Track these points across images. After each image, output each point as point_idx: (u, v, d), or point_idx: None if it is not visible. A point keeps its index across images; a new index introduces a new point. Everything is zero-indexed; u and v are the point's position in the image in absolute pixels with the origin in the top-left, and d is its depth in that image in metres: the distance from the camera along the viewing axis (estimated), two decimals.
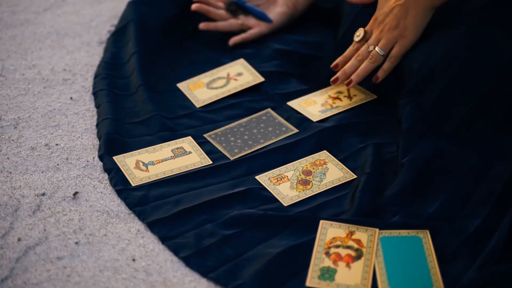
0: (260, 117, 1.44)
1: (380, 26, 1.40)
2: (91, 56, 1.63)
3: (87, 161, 1.35)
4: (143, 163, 1.33)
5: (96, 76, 1.56)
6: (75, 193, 1.28)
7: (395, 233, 1.18)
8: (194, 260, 1.15)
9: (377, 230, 1.18)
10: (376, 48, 1.39)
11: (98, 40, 1.68)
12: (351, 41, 1.46)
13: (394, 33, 1.37)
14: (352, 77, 1.41)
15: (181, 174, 1.31)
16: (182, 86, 1.53)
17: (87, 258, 1.16)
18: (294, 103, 1.46)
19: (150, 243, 1.19)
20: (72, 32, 1.71)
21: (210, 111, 1.46)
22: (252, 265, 1.14)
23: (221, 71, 1.55)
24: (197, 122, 1.44)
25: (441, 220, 1.19)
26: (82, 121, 1.45)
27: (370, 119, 1.41)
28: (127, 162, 1.33)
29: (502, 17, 1.33)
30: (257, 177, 1.30)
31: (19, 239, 1.19)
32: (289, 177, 1.30)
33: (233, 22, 1.64)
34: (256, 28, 1.63)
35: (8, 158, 1.35)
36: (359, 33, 1.42)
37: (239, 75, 1.53)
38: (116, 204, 1.26)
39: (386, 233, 1.18)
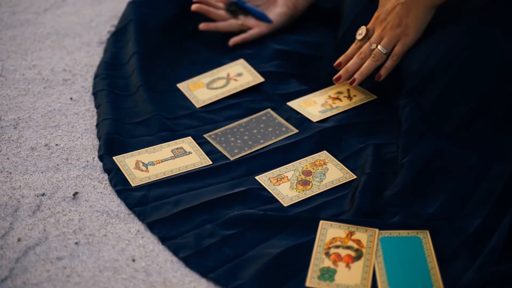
0: (260, 117, 1.44)
1: (382, 24, 1.40)
2: (91, 57, 1.63)
3: (87, 161, 1.35)
4: (143, 164, 1.33)
5: (96, 76, 1.56)
6: (75, 193, 1.28)
7: (395, 233, 1.18)
8: (194, 260, 1.15)
9: (377, 230, 1.18)
10: (379, 47, 1.39)
11: (98, 41, 1.68)
12: (351, 41, 1.46)
13: (396, 31, 1.37)
14: (355, 76, 1.41)
15: (181, 174, 1.31)
16: (182, 86, 1.53)
17: (87, 258, 1.16)
18: (294, 104, 1.46)
19: (150, 243, 1.19)
20: (72, 33, 1.71)
21: (210, 112, 1.46)
22: (252, 266, 1.14)
23: (221, 72, 1.55)
24: (197, 122, 1.44)
25: (441, 220, 1.19)
26: (82, 121, 1.45)
27: (370, 119, 1.41)
28: (127, 162, 1.33)
29: (502, 17, 1.33)
30: (257, 178, 1.30)
31: (19, 239, 1.19)
32: (289, 178, 1.30)
33: (233, 23, 1.64)
34: (256, 28, 1.63)
35: (8, 158, 1.35)
36: (361, 31, 1.42)
37: (239, 75, 1.53)
38: (116, 204, 1.26)
39: (386, 233, 1.18)
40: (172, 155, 1.35)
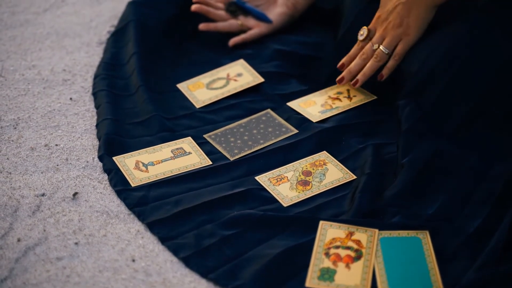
0: (260, 117, 1.44)
1: (383, 24, 1.40)
2: (91, 57, 1.63)
3: (87, 162, 1.35)
4: (143, 164, 1.33)
5: (95, 76, 1.56)
6: (75, 194, 1.28)
7: (394, 233, 1.18)
8: (194, 260, 1.15)
9: (376, 230, 1.18)
10: (381, 47, 1.39)
11: (98, 41, 1.68)
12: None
13: (398, 31, 1.38)
14: (358, 76, 1.41)
15: (181, 174, 1.31)
16: (182, 86, 1.53)
17: (87, 258, 1.16)
18: (294, 104, 1.46)
19: (149, 243, 1.19)
20: (72, 33, 1.71)
21: (210, 112, 1.46)
22: (252, 266, 1.14)
23: (221, 72, 1.55)
24: (197, 122, 1.44)
25: (441, 221, 1.19)
26: (81, 121, 1.45)
27: (370, 120, 1.41)
28: (126, 162, 1.33)
29: (502, 17, 1.33)
30: (256, 178, 1.30)
31: (18, 240, 1.19)
32: (288, 178, 1.30)
33: (233, 23, 1.64)
34: (256, 28, 1.63)
35: (7, 159, 1.35)
36: (363, 31, 1.42)
37: (239, 75, 1.53)
38: (115, 204, 1.26)
39: (386, 233, 1.18)
40: (172, 155, 1.35)
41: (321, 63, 1.55)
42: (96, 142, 1.39)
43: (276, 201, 1.26)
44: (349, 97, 1.45)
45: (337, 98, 1.46)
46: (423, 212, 1.21)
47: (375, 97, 1.45)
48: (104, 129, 1.40)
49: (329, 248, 1.16)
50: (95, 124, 1.43)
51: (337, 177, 1.30)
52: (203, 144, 1.38)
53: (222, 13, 1.65)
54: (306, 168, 1.32)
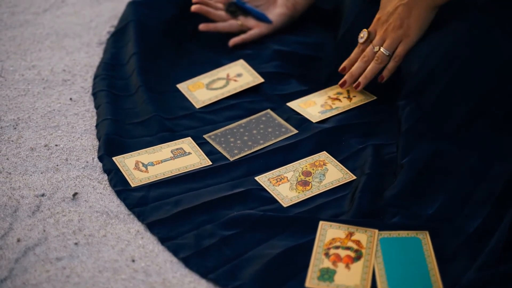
0: (260, 118, 1.44)
1: (383, 26, 1.40)
2: (91, 57, 1.63)
3: (87, 162, 1.35)
4: (143, 164, 1.33)
5: (95, 76, 1.56)
6: (75, 194, 1.28)
7: (394, 234, 1.18)
8: (193, 260, 1.15)
9: (376, 231, 1.18)
10: (381, 49, 1.39)
11: (98, 41, 1.68)
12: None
13: (398, 33, 1.38)
14: (360, 79, 1.42)
15: (180, 175, 1.31)
16: (181, 87, 1.53)
17: (87, 258, 1.16)
18: (293, 104, 1.46)
19: (149, 243, 1.19)
20: (72, 33, 1.71)
21: (209, 112, 1.46)
22: (252, 266, 1.14)
23: (221, 72, 1.55)
24: (196, 123, 1.44)
25: (441, 221, 1.19)
26: (81, 121, 1.45)
27: (369, 120, 1.41)
28: (126, 163, 1.33)
29: (502, 17, 1.33)
30: (256, 178, 1.30)
31: (18, 240, 1.19)
32: (288, 178, 1.30)
33: (232, 23, 1.64)
34: (256, 29, 1.63)
35: (7, 159, 1.35)
36: (363, 34, 1.42)
37: (239, 76, 1.53)
38: (115, 205, 1.26)
39: (386, 234, 1.17)
40: (172, 155, 1.35)
41: (321, 63, 1.55)
42: (96, 143, 1.39)
43: (276, 201, 1.26)
44: (349, 98, 1.45)
45: (337, 99, 1.46)
46: (423, 212, 1.21)
47: (375, 98, 1.45)
48: (104, 129, 1.40)
49: (329, 249, 1.16)
50: (95, 125, 1.43)
51: (337, 178, 1.30)
52: (203, 144, 1.38)
53: (222, 13, 1.65)
54: (306, 169, 1.31)
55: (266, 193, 1.27)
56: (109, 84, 1.52)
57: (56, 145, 1.38)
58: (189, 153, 1.36)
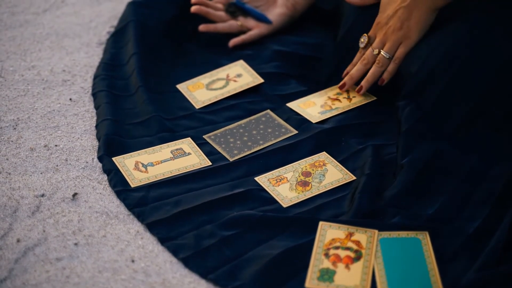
0: (260, 118, 1.44)
1: (383, 29, 1.40)
2: (91, 57, 1.63)
3: (87, 162, 1.35)
4: (143, 164, 1.33)
5: (95, 77, 1.56)
6: (74, 194, 1.28)
7: (394, 234, 1.18)
8: (193, 261, 1.15)
9: (376, 231, 1.18)
10: (382, 52, 1.39)
11: (98, 41, 1.68)
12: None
13: (398, 35, 1.38)
14: (362, 83, 1.42)
15: (180, 175, 1.31)
16: (181, 87, 1.53)
17: (86, 259, 1.16)
18: (293, 105, 1.46)
19: (149, 244, 1.19)
20: (72, 33, 1.71)
21: (209, 112, 1.46)
22: (252, 266, 1.14)
23: (221, 72, 1.55)
24: (196, 123, 1.44)
25: (441, 221, 1.19)
26: (81, 122, 1.45)
27: (369, 120, 1.41)
28: (126, 163, 1.33)
29: (502, 17, 1.33)
30: (256, 178, 1.30)
31: (18, 240, 1.19)
32: (288, 179, 1.30)
33: (232, 24, 1.64)
34: (256, 29, 1.63)
35: (7, 159, 1.35)
36: (363, 39, 1.43)
37: (239, 76, 1.53)
38: (115, 205, 1.26)
39: (386, 234, 1.17)
40: (172, 156, 1.35)
41: (321, 63, 1.55)
42: (95, 143, 1.39)
43: (275, 201, 1.26)
44: (349, 98, 1.46)
45: (337, 99, 1.46)
46: (423, 213, 1.21)
47: (375, 98, 1.45)
48: (104, 129, 1.40)
49: (328, 249, 1.16)
50: (94, 125, 1.43)
51: (337, 178, 1.30)
52: (202, 144, 1.38)
53: (221, 14, 1.65)
54: (306, 169, 1.31)
55: (266, 193, 1.27)
56: (109, 84, 1.52)
57: (56, 146, 1.38)
58: (189, 154, 1.36)
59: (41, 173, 1.32)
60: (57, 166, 1.34)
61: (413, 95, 1.34)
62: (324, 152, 1.35)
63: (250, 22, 1.64)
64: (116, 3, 1.80)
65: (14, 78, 1.56)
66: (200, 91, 1.51)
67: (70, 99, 1.51)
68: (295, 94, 1.49)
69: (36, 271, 1.14)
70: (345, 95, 1.46)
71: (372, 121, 1.41)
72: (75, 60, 1.62)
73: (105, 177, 1.32)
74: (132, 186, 1.29)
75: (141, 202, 1.26)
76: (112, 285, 1.12)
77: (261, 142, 1.38)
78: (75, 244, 1.19)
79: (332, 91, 1.48)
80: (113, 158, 1.34)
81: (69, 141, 1.40)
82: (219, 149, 1.37)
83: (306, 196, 1.26)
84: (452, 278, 1.11)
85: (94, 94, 1.51)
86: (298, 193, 1.27)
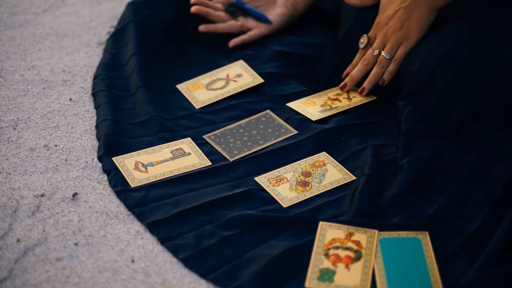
0: (260, 118, 1.44)
1: (383, 30, 1.40)
2: (91, 57, 1.63)
3: (86, 162, 1.35)
4: (142, 164, 1.33)
5: (95, 77, 1.56)
6: (74, 194, 1.28)
7: (394, 234, 1.18)
8: (193, 261, 1.15)
9: (376, 231, 1.18)
10: (382, 53, 1.39)
11: (98, 41, 1.68)
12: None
13: (398, 35, 1.38)
14: (364, 84, 1.42)
15: (180, 175, 1.31)
16: (181, 87, 1.53)
17: (86, 259, 1.16)
18: (293, 104, 1.46)
19: (149, 244, 1.19)
20: (72, 33, 1.71)
21: (209, 112, 1.46)
22: (252, 266, 1.14)
23: (221, 72, 1.55)
24: (196, 123, 1.44)
25: (441, 221, 1.19)
26: (81, 122, 1.45)
27: (369, 120, 1.41)
28: (126, 163, 1.33)
29: (502, 17, 1.33)
30: (256, 179, 1.30)
31: (18, 240, 1.19)
32: (288, 179, 1.30)
33: (232, 24, 1.64)
34: (256, 29, 1.63)
35: (7, 159, 1.35)
36: (363, 40, 1.43)
37: (239, 76, 1.53)
38: (115, 205, 1.26)
39: (386, 234, 1.17)
40: (172, 156, 1.35)
41: (321, 63, 1.55)
42: (95, 143, 1.39)
43: (275, 201, 1.26)
44: (349, 98, 1.46)
45: (337, 99, 1.46)
46: (423, 213, 1.21)
47: (375, 98, 1.45)
48: (104, 129, 1.40)
49: (328, 249, 1.16)
50: (94, 125, 1.43)
51: (337, 178, 1.30)
52: (202, 144, 1.38)
53: (221, 14, 1.65)
54: (306, 169, 1.31)
55: (265, 193, 1.27)
56: (109, 84, 1.52)
57: (56, 146, 1.38)
58: (189, 154, 1.36)
59: (41, 173, 1.32)
60: (57, 166, 1.34)
61: (413, 95, 1.34)
62: (324, 152, 1.35)
63: (250, 22, 1.64)
64: (116, 3, 1.80)
65: (14, 78, 1.56)
66: (200, 91, 1.51)
67: (70, 99, 1.51)
68: (295, 94, 1.49)
69: (36, 271, 1.14)
70: (345, 95, 1.46)
71: (372, 121, 1.41)
72: (75, 60, 1.62)
73: (105, 177, 1.32)
74: (132, 186, 1.29)
75: (141, 202, 1.26)
76: (112, 285, 1.12)
77: (261, 142, 1.38)
78: (75, 244, 1.19)
79: (332, 92, 1.48)
80: (113, 158, 1.34)
81: (69, 141, 1.40)
82: (219, 149, 1.37)
83: (306, 196, 1.26)
84: (452, 278, 1.11)
85: (94, 94, 1.51)
86: (298, 193, 1.27)
